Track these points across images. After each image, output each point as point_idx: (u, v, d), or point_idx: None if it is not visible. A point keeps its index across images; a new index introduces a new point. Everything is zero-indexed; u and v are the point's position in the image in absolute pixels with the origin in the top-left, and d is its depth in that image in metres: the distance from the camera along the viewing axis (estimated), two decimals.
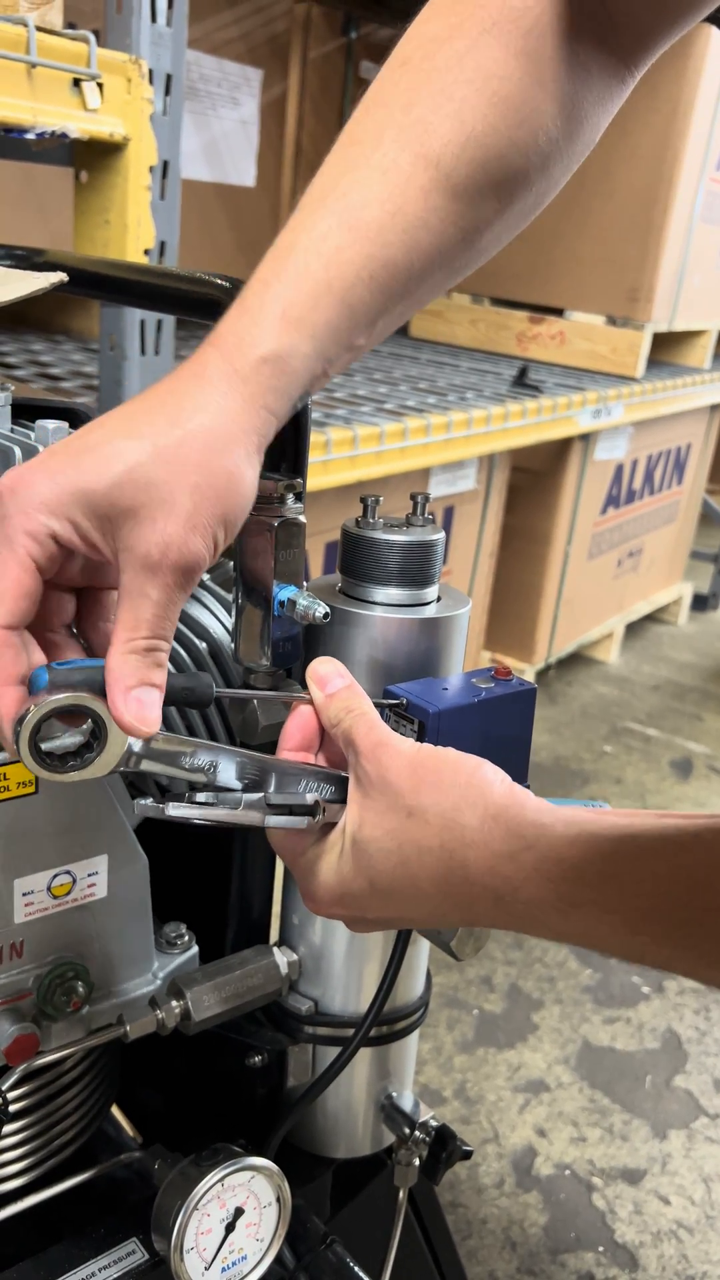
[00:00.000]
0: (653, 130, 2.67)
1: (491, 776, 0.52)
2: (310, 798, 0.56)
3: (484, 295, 3.03)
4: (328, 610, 0.62)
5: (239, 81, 2.59)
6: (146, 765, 0.53)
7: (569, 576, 2.92)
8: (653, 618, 3.76)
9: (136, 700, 0.49)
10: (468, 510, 2.44)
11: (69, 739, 0.50)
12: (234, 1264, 0.67)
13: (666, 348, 3.23)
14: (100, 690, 0.49)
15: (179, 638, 0.76)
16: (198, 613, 0.76)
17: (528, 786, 0.68)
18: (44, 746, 0.49)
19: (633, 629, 3.59)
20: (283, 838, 0.57)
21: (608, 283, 2.81)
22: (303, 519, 0.64)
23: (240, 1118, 0.77)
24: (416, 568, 0.68)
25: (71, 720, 0.50)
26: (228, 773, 0.55)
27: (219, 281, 0.69)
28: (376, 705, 0.59)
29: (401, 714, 0.63)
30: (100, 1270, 0.67)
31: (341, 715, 0.56)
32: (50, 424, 0.61)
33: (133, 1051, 0.83)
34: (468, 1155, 0.75)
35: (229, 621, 0.77)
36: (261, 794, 0.55)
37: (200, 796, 0.55)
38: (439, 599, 0.70)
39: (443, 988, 1.89)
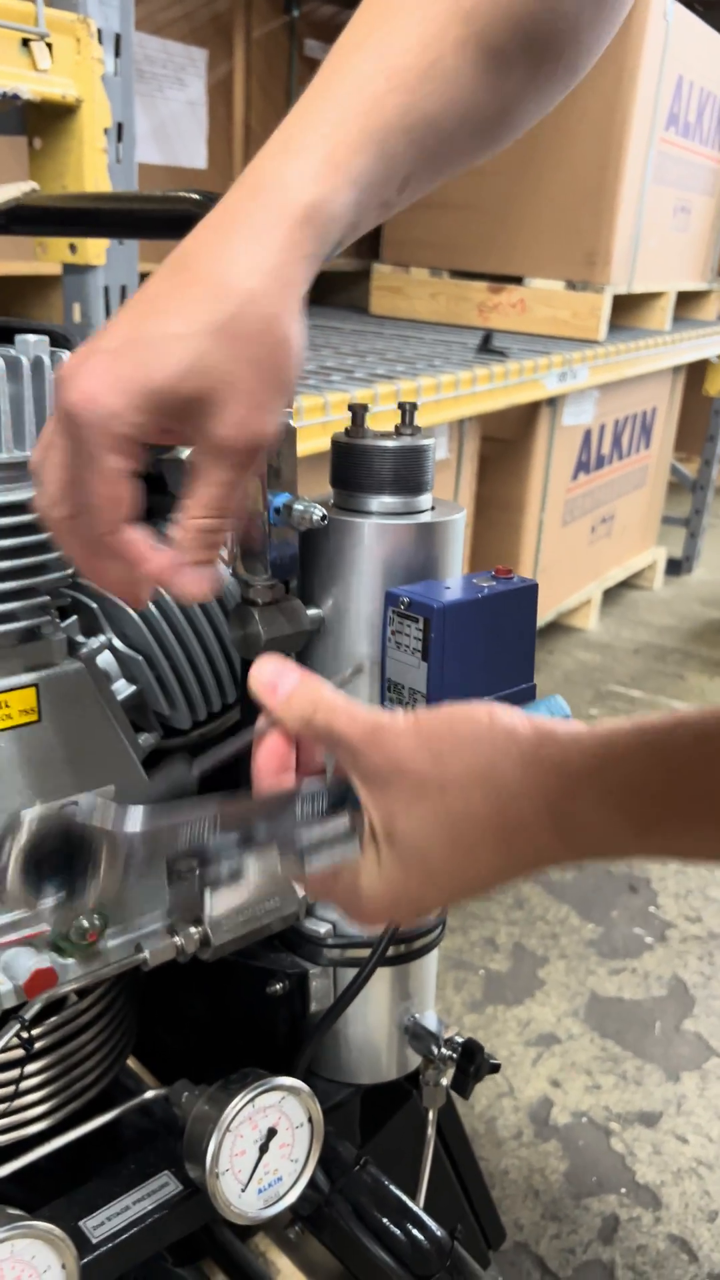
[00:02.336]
0: (601, 93, 2.67)
1: (511, 719, 0.47)
2: (345, 820, 0.50)
3: (442, 268, 3.03)
4: (325, 513, 0.62)
5: (184, 62, 2.58)
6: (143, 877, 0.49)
7: (544, 544, 2.93)
8: (628, 584, 3.78)
9: (195, 576, 0.52)
10: (440, 480, 2.44)
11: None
12: (270, 1185, 0.66)
13: (627, 312, 3.24)
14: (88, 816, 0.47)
15: None
16: None
17: (533, 685, 0.68)
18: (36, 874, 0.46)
19: (610, 596, 3.60)
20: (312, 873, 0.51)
21: (565, 248, 2.82)
22: (293, 423, 0.63)
23: (264, 1051, 0.76)
24: (410, 474, 0.67)
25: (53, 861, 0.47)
26: (225, 838, 0.49)
27: (192, 196, 0.68)
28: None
29: (405, 614, 0.63)
30: (135, 1204, 0.66)
31: (309, 712, 0.50)
32: (31, 338, 0.60)
33: (150, 993, 0.82)
34: (496, 1068, 0.75)
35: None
36: (294, 843, 0.49)
37: (226, 875, 0.49)
38: (433, 508, 0.70)
39: (447, 950, 1.88)
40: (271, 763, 0.52)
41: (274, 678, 0.52)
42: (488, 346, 2.47)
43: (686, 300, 3.72)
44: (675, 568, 3.99)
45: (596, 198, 2.75)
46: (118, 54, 1.30)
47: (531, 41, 0.56)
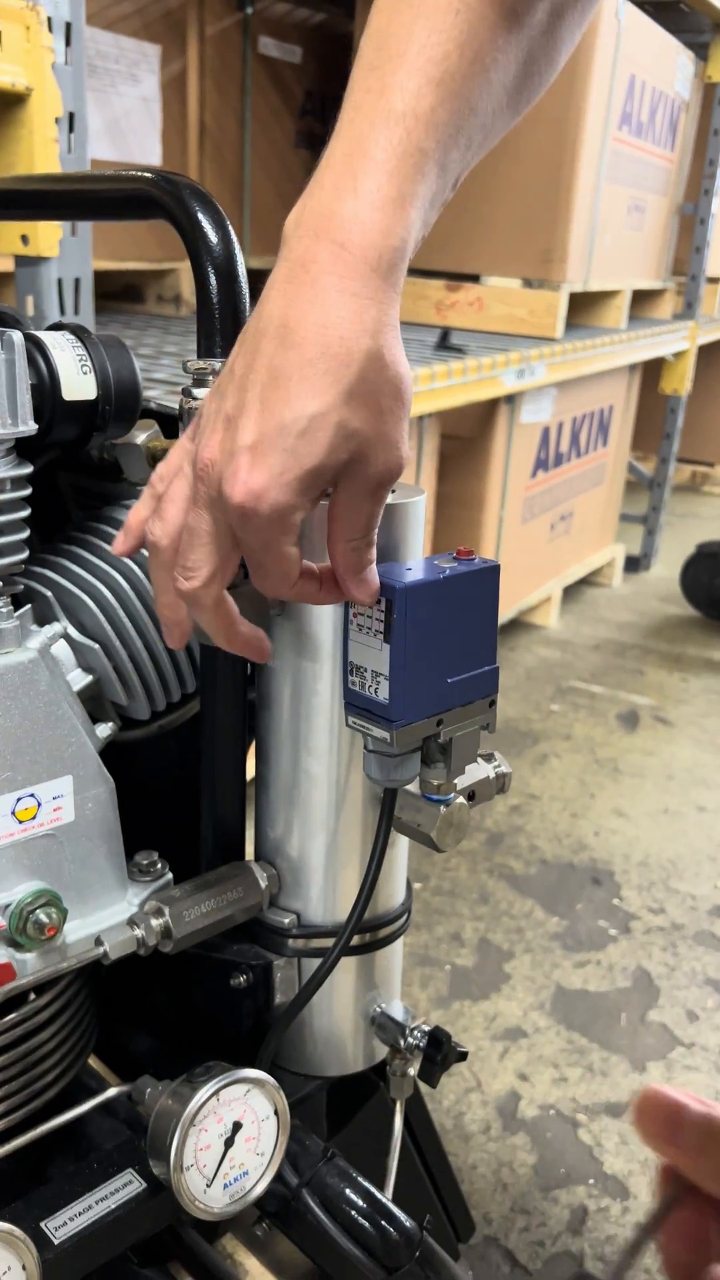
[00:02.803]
0: (554, 91, 2.67)
1: None
2: None
3: None
4: None
5: (137, 58, 2.55)
6: None
7: (505, 541, 2.94)
8: (588, 581, 3.80)
9: (365, 582, 0.58)
10: (400, 478, 2.43)
11: None
12: (236, 1179, 0.65)
13: (583, 310, 3.26)
14: None
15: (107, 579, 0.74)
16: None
17: (496, 668, 0.67)
18: None
19: (569, 593, 3.62)
20: None
21: (522, 246, 2.83)
22: None
23: (228, 1045, 0.75)
24: None
25: None
26: None
27: (145, 175, 0.67)
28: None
29: None
30: (98, 1202, 0.65)
31: None
32: None
33: (112, 993, 0.81)
34: (463, 1056, 0.74)
35: None
36: None
37: None
38: (393, 490, 0.69)
39: (413, 947, 1.88)
40: (689, 1251, 0.38)
41: (671, 1114, 0.37)
42: (445, 344, 2.47)
43: (642, 299, 3.75)
44: (633, 565, 4.02)
45: (552, 196, 2.77)
46: (68, 43, 1.28)
47: None
